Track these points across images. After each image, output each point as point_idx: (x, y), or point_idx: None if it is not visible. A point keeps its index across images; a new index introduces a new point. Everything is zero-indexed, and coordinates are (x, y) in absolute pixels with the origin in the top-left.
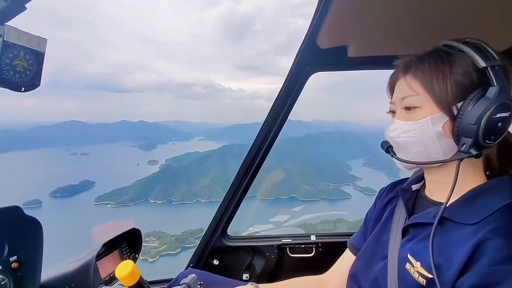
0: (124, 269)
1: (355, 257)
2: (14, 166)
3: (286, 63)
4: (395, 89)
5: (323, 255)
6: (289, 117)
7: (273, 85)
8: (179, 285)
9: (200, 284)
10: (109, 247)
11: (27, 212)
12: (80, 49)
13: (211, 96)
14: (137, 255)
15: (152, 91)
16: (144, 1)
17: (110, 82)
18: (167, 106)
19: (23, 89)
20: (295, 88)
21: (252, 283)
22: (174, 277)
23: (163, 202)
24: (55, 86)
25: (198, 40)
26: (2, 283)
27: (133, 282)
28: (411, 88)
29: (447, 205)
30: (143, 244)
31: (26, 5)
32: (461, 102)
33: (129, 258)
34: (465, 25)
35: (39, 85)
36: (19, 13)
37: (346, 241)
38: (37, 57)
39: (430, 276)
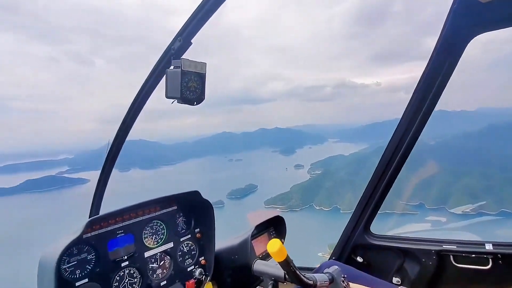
0: (274, 245)
1: None
2: (192, 171)
3: (432, 42)
4: None
5: (507, 270)
6: (443, 108)
7: (414, 73)
8: (323, 273)
9: (344, 277)
10: (260, 229)
11: (218, 210)
12: (222, 71)
13: (342, 95)
14: (282, 240)
15: (283, 99)
16: (268, 15)
17: (247, 95)
18: (296, 111)
19: (195, 103)
20: (445, 65)
21: None
22: (317, 266)
23: (330, 210)
24: (207, 105)
25: (326, 40)
26: (192, 247)
27: (282, 258)
28: None
29: None
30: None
31: (192, 41)
32: None
33: None
34: None
35: (204, 99)
36: (188, 48)
37: None
38: (201, 78)
39: None
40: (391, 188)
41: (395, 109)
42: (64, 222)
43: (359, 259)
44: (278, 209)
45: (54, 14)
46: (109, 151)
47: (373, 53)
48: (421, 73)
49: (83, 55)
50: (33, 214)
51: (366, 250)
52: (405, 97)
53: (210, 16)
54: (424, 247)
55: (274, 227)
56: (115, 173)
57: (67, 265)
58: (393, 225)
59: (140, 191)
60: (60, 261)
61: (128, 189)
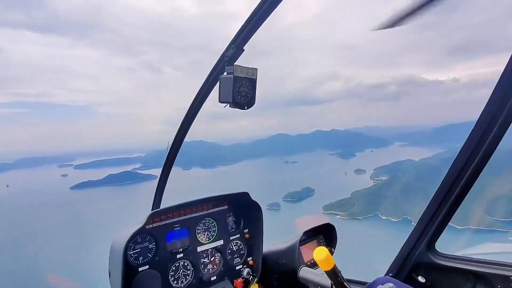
0: (321, 253)
1: None
2: (248, 171)
3: None
4: None
5: None
6: None
7: (501, 66)
8: None
9: None
10: (309, 236)
11: (271, 213)
12: (278, 72)
13: (409, 94)
14: (333, 249)
15: (340, 99)
16: (326, 12)
17: (303, 97)
18: (356, 112)
19: (246, 107)
20: None
21: None
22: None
23: (399, 221)
24: (263, 107)
25: (391, 33)
26: (240, 247)
27: (328, 267)
28: None
29: None
30: None
31: (244, 47)
32: None
33: None
34: None
35: (254, 103)
36: (240, 54)
37: None
38: (252, 83)
39: None
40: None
41: (477, 108)
42: (135, 212)
43: (421, 279)
44: (338, 216)
45: (132, 29)
46: (169, 151)
47: (450, 44)
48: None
49: (154, 64)
50: (114, 204)
51: (429, 270)
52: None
53: (262, 23)
54: (501, 271)
55: (324, 234)
56: (178, 170)
57: (132, 252)
58: (469, 243)
59: (199, 189)
60: (126, 247)
61: (189, 186)
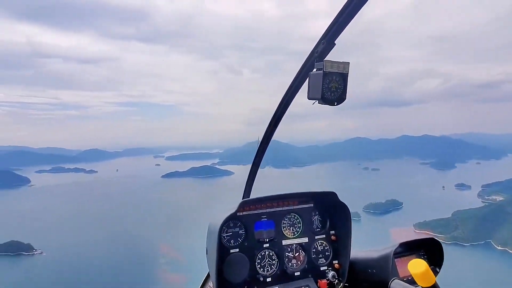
0: (418, 265)
1: None
2: (322, 175)
3: None
4: None
5: None
6: None
7: None
8: None
9: None
10: (406, 249)
11: (353, 224)
12: (359, 71)
13: None
14: (437, 269)
15: (436, 100)
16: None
17: (388, 97)
18: (456, 115)
19: (335, 103)
20: None
21: None
22: None
23: None
24: (339, 108)
25: (507, 18)
26: (326, 248)
27: (427, 283)
28: None
29: None
30: None
31: (335, 42)
32: None
33: None
34: None
35: (345, 99)
36: (331, 49)
37: None
38: (343, 78)
39: None
40: None
41: None
42: (215, 203)
43: None
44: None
45: (215, 35)
46: (258, 147)
47: None
48: None
49: (234, 67)
50: (196, 193)
51: None
52: None
53: (355, 15)
54: None
55: (426, 251)
56: None
57: (225, 234)
58: None
59: (272, 187)
60: (221, 229)
61: (262, 184)
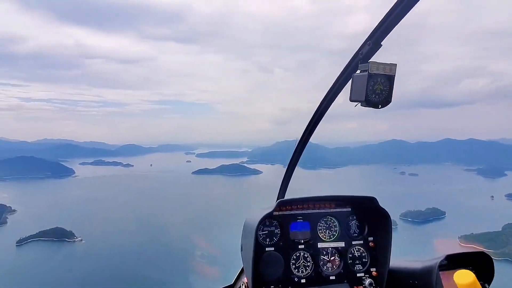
0: (465, 276)
1: None
2: (354, 178)
3: None
4: None
5: None
6: None
7: None
8: None
9: None
10: (452, 262)
11: None
12: (398, 69)
13: None
14: (486, 285)
15: (484, 101)
16: None
17: (428, 97)
18: (506, 119)
19: (380, 106)
20: None
21: None
22: None
23: None
24: (370, 109)
25: None
26: (363, 254)
27: None
28: None
29: None
30: None
31: (382, 43)
32: None
33: None
34: None
35: (390, 102)
36: (377, 50)
37: None
38: (389, 80)
39: None
40: None
41: None
42: (247, 201)
43: None
44: None
45: (246, 34)
46: (296, 147)
47: None
48: None
49: (265, 66)
50: (227, 191)
51: None
52: None
53: (403, 17)
54: None
55: (474, 266)
56: (281, 168)
57: (261, 232)
58: None
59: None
60: (258, 227)
61: (291, 185)
